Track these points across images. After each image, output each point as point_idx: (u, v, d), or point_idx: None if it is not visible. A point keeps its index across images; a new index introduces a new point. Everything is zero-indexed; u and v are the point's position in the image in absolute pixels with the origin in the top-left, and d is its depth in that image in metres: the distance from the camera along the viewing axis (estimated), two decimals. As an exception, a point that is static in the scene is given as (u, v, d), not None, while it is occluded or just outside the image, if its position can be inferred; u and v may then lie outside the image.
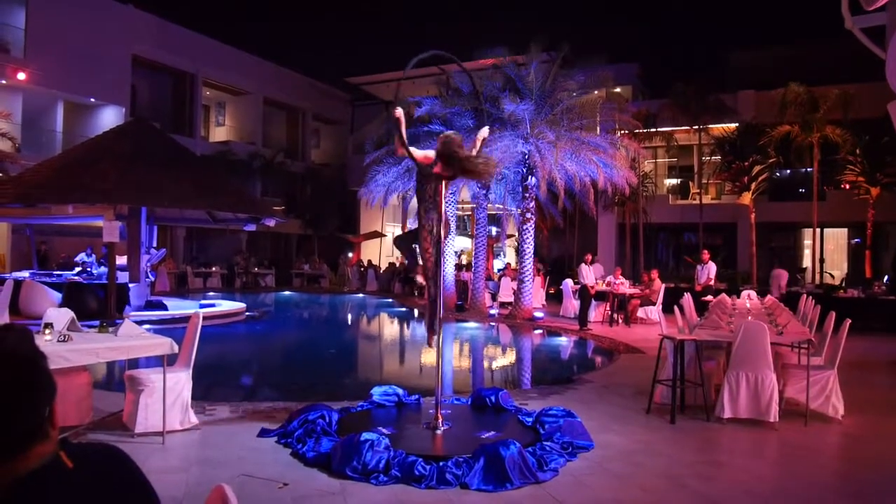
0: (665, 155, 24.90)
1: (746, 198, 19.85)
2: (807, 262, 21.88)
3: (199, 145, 26.60)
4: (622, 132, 18.46)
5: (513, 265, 19.22)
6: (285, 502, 3.80)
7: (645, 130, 21.06)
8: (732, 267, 20.81)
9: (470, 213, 25.34)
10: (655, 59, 41.49)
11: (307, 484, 4.08)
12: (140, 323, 6.35)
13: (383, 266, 26.67)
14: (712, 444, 5.33)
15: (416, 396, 6.02)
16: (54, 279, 13.74)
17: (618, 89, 23.98)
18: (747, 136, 19.75)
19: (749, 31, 46.44)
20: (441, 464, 4.20)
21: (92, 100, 23.07)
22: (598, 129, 15.96)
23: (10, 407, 1.09)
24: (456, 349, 12.27)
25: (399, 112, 5.02)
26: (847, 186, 19.45)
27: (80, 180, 12.39)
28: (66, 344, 4.62)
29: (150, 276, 15.12)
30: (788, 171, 22.05)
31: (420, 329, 14.33)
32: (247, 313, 15.13)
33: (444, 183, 5.20)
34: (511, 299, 15.94)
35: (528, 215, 15.20)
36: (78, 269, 15.22)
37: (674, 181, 25.15)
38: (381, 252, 28.52)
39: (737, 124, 20.65)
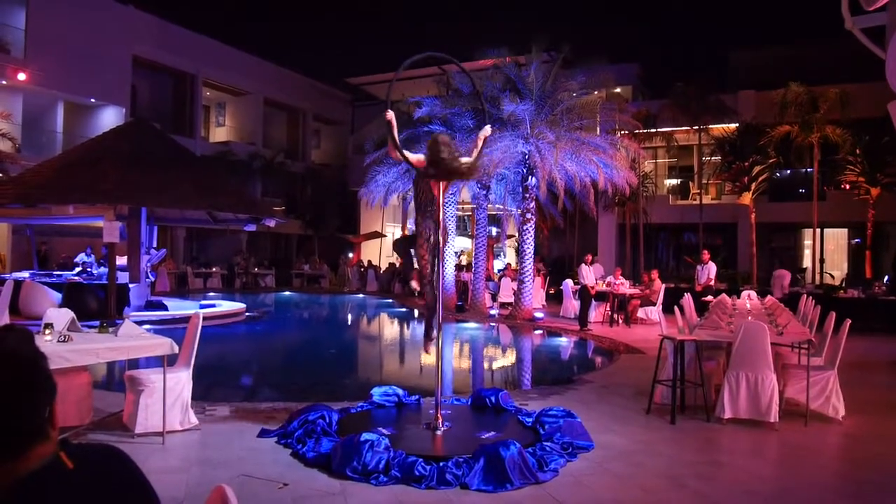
0: (665, 155, 24.90)
1: (746, 198, 19.85)
2: (807, 262, 21.89)
3: (200, 146, 26.61)
4: (622, 132, 18.47)
5: (513, 265, 19.22)
6: (285, 503, 3.80)
7: (645, 131, 21.07)
8: (732, 267, 20.80)
9: (470, 213, 25.35)
10: (655, 59, 41.56)
11: (307, 484, 4.08)
12: (140, 323, 6.35)
13: (383, 266, 26.68)
14: (712, 445, 5.33)
15: (416, 397, 6.02)
16: (54, 279, 13.74)
17: (618, 89, 24.00)
18: (747, 137, 19.75)
19: (749, 31, 46.51)
20: (441, 464, 4.20)
21: (92, 100, 23.08)
22: (599, 129, 15.97)
23: (11, 407, 1.09)
24: (456, 349, 12.27)
25: (390, 115, 5.00)
26: (847, 186, 19.45)
27: (81, 181, 12.39)
28: (67, 344, 4.62)
29: (150, 276, 15.12)
30: (788, 172, 22.04)
31: (420, 329, 14.33)
32: (247, 314, 15.13)
33: (441, 188, 5.14)
34: (511, 300, 15.94)
35: (529, 215, 15.20)
36: (78, 269, 15.23)
37: (674, 181, 25.16)
38: (381, 252, 28.52)
39: (737, 124, 20.65)
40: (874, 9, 6.53)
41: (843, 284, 17.08)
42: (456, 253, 20.33)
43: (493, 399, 5.83)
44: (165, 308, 13.66)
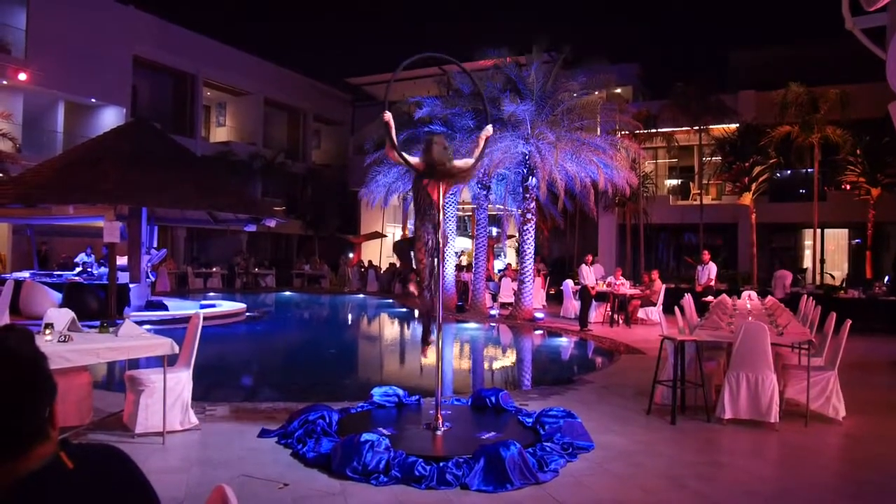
0: (665, 155, 24.90)
1: (747, 198, 19.85)
2: (807, 262, 21.88)
3: (200, 146, 26.61)
4: (622, 133, 18.47)
5: (513, 266, 19.22)
6: (285, 503, 3.80)
7: (645, 131, 21.07)
8: (733, 267, 20.80)
9: (470, 213, 25.36)
10: (655, 59, 41.61)
11: (307, 484, 4.08)
12: (140, 323, 6.35)
13: (384, 267, 26.69)
14: (713, 445, 5.33)
15: (417, 397, 6.02)
16: (55, 279, 13.74)
17: (618, 90, 23.99)
18: (748, 137, 19.74)
19: (749, 31, 46.53)
20: (441, 464, 4.20)
21: (93, 100, 23.08)
22: (599, 129, 15.98)
23: (11, 407, 1.09)
24: (456, 350, 12.27)
25: (388, 116, 4.99)
26: (847, 187, 19.45)
27: (81, 181, 12.40)
28: (67, 344, 4.62)
29: (150, 276, 15.12)
30: (789, 172, 22.03)
31: (420, 329, 14.32)
32: (247, 314, 15.14)
33: (441, 192, 5.13)
34: (511, 300, 15.94)
35: (529, 216, 15.20)
36: (78, 269, 15.23)
37: (674, 182, 25.16)
38: (381, 253, 28.52)
39: (737, 125, 20.65)
40: (874, 9, 6.53)
41: (844, 285, 17.06)
42: (456, 253, 20.34)
43: (493, 399, 5.83)
44: (166, 308, 13.66)
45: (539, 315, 15.11)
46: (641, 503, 3.98)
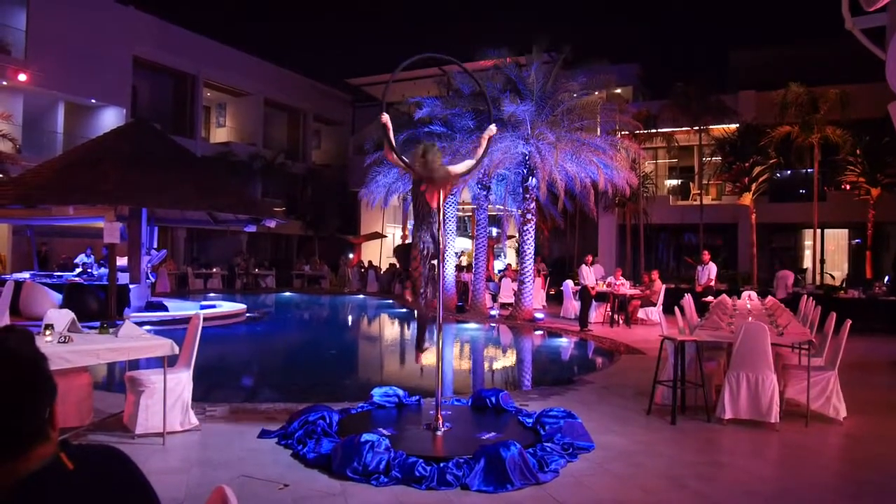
0: (665, 156, 24.91)
1: (747, 198, 19.85)
2: (807, 262, 21.88)
3: (200, 146, 26.60)
4: (622, 133, 18.47)
5: (513, 266, 19.22)
6: (286, 503, 3.80)
7: (645, 131, 21.07)
8: (733, 268, 20.80)
9: (470, 213, 25.35)
10: (655, 59, 41.58)
11: (307, 485, 4.08)
12: (140, 324, 6.36)
13: (384, 267, 26.69)
14: (713, 445, 5.33)
15: (417, 397, 6.02)
16: (55, 280, 13.75)
17: (618, 90, 23.99)
18: (748, 137, 19.75)
19: (749, 31, 46.52)
20: (441, 465, 4.20)
21: (93, 101, 23.08)
22: (599, 130, 15.98)
23: (11, 408, 1.09)
24: (456, 350, 12.27)
25: (385, 118, 4.98)
26: (847, 187, 19.46)
27: (81, 181, 12.40)
28: (67, 345, 4.62)
29: (150, 277, 15.12)
30: (789, 172, 22.03)
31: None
32: (247, 314, 15.14)
33: (441, 198, 5.09)
34: (511, 300, 15.94)
35: (529, 216, 15.20)
36: (78, 270, 15.23)
37: (674, 182, 25.16)
38: (381, 253, 28.53)
39: (737, 125, 20.65)
40: (874, 9, 6.53)
41: (844, 285, 17.06)
42: (456, 253, 20.35)
43: (493, 400, 5.83)
44: (166, 309, 13.66)
45: (539, 315, 15.11)
46: (642, 503, 3.98)
